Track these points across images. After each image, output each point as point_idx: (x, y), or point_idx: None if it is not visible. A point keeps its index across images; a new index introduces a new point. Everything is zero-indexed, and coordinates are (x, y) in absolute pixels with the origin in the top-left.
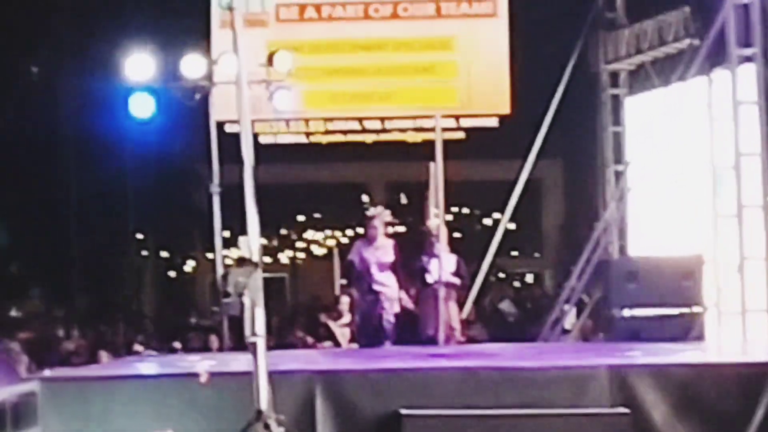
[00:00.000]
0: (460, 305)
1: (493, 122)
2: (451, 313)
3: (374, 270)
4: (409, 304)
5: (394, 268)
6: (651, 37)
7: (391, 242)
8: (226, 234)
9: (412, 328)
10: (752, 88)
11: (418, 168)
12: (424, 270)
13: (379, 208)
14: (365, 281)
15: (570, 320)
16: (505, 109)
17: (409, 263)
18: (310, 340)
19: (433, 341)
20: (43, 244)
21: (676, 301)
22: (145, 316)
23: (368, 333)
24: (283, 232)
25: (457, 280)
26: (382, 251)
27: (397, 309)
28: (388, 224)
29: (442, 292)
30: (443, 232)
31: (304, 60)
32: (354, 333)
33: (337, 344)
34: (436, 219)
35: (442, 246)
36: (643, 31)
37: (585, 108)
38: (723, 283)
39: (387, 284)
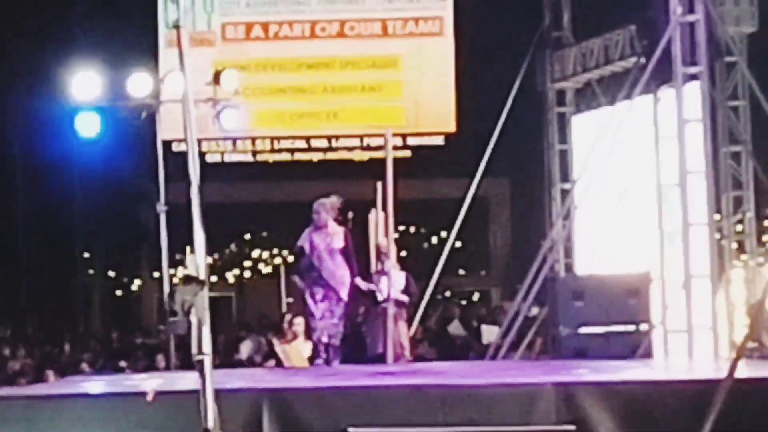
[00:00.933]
0: (409, 323)
1: (440, 141)
2: (400, 332)
3: (325, 256)
4: (371, 286)
5: (346, 254)
6: (597, 55)
7: (342, 229)
8: (173, 253)
9: (360, 346)
10: (698, 107)
11: (365, 187)
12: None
13: (331, 198)
14: (315, 271)
15: (492, 335)
16: (451, 127)
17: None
18: (257, 358)
19: (381, 359)
20: None
21: (623, 319)
22: (92, 336)
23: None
24: (230, 250)
25: (406, 298)
26: (332, 237)
27: (345, 297)
28: (339, 210)
29: (391, 309)
30: (392, 250)
31: (250, 79)
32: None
33: (280, 364)
34: (384, 238)
35: (391, 263)
36: (590, 50)
37: (531, 126)
38: (669, 300)
39: (338, 271)
